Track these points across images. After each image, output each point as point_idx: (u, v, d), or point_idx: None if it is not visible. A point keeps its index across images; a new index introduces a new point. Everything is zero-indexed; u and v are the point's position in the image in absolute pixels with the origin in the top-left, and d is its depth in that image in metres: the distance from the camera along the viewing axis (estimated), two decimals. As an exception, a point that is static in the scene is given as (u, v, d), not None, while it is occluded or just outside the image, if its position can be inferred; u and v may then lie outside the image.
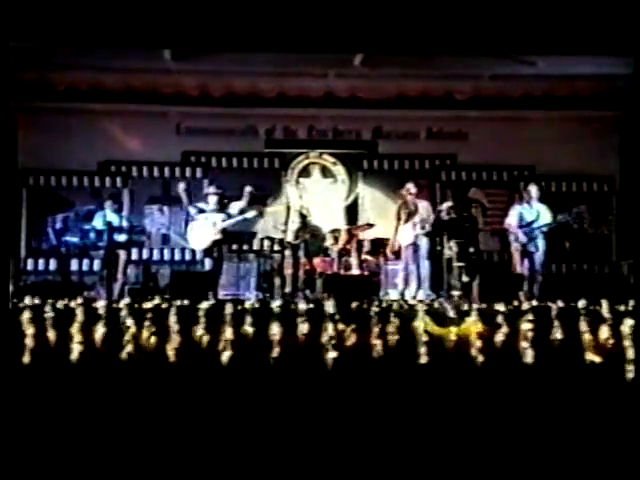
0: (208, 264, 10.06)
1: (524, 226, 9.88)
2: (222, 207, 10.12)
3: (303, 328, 5.60)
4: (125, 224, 10.37)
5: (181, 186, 10.44)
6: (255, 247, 11.61)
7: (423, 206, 10.03)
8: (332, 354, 5.49)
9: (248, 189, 10.22)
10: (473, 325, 5.68)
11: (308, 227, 10.74)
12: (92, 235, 10.16)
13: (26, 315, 5.57)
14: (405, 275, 9.97)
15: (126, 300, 6.55)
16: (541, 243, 9.80)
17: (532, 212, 9.99)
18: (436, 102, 12.35)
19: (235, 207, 10.13)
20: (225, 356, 5.50)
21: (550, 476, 5.26)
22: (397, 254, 10.32)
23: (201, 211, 10.11)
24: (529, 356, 5.60)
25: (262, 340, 5.54)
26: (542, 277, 9.70)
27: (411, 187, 10.16)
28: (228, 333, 5.53)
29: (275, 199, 12.46)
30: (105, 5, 7.42)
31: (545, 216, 9.93)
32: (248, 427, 5.30)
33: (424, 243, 9.87)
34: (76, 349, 5.46)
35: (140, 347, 5.54)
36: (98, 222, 10.22)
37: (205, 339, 5.56)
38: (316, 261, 10.41)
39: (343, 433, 5.30)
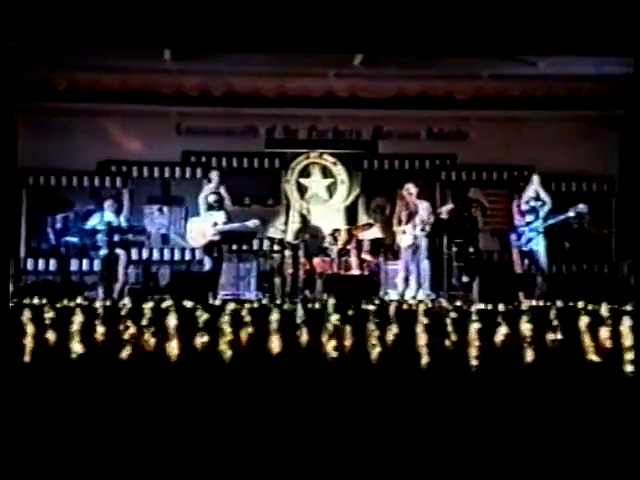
0: (208, 264, 10.08)
1: (527, 224, 9.90)
2: (222, 207, 10.20)
3: (302, 329, 5.60)
4: (125, 224, 10.38)
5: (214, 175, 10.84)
6: (255, 247, 11.61)
7: (423, 207, 10.03)
8: (331, 354, 5.49)
9: (214, 173, 10.78)
10: (473, 325, 5.68)
11: (308, 227, 10.75)
12: (92, 235, 10.17)
13: (26, 315, 5.57)
14: (405, 275, 9.97)
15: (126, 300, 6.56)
16: (542, 243, 9.81)
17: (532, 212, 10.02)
18: (436, 102, 12.33)
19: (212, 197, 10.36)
20: (225, 357, 5.50)
21: (550, 476, 5.26)
22: (396, 254, 10.34)
23: (210, 207, 10.22)
24: (529, 356, 5.60)
25: (260, 340, 5.55)
26: (542, 277, 9.71)
27: (411, 187, 10.16)
28: (227, 333, 5.53)
29: (275, 199, 12.47)
30: (105, 5, 7.42)
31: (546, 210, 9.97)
32: (248, 427, 5.30)
33: (424, 244, 9.87)
34: (76, 349, 5.46)
35: (140, 347, 5.54)
36: (98, 222, 10.22)
37: (204, 339, 5.56)
38: (316, 261, 10.41)
39: (343, 433, 5.30)
